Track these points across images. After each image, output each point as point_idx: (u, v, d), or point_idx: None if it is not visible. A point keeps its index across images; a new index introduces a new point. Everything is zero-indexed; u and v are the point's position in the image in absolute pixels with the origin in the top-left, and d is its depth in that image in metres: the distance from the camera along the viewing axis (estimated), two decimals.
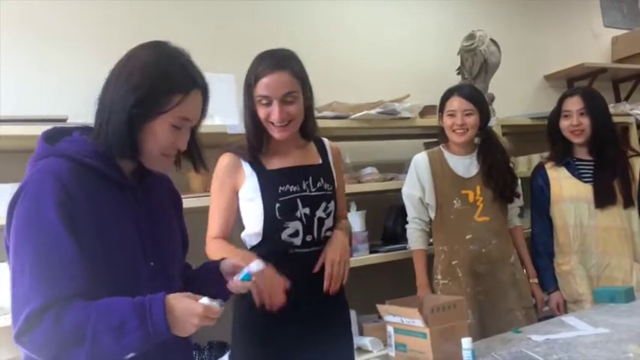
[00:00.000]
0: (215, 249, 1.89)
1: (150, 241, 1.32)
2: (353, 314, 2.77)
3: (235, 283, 1.40)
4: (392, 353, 1.65)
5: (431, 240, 2.65)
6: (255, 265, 1.38)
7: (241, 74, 1.95)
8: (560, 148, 2.71)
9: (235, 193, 1.93)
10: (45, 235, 1.17)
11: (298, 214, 1.86)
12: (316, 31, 3.34)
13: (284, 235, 1.85)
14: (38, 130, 1.39)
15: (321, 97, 2.90)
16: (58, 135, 1.33)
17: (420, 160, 2.62)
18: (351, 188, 2.82)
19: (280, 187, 1.86)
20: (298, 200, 1.87)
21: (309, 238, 1.87)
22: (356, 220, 2.84)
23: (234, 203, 1.93)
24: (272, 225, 1.86)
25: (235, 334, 1.92)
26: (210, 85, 2.06)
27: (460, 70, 3.43)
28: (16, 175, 1.52)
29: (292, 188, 1.87)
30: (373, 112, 2.88)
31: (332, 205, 1.93)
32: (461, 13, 3.91)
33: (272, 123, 1.84)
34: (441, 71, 3.42)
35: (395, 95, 3.07)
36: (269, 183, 1.88)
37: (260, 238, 1.89)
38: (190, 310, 1.18)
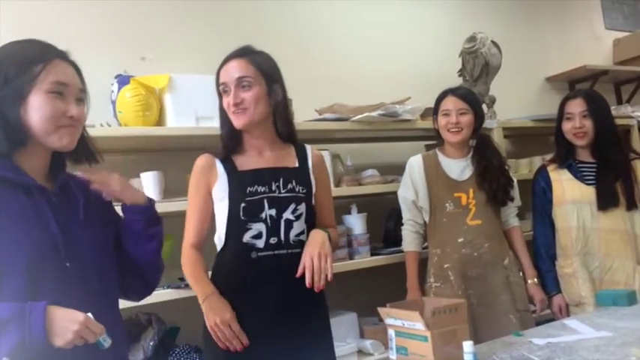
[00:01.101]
0: (186, 269, 1.91)
1: (65, 241, 1.30)
2: (354, 316, 2.77)
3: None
4: (393, 356, 1.64)
5: (426, 243, 2.65)
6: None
7: None
8: (562, 150, 2.69)
9: (209, 194, 1.91)
10: None
11: (263, 215, 1.83)
12: (317, 33, 3.33)
13: (246, 237, 1.82)
14: None
15: (322, 99, 2.93)
16: None
17: (414, 164, 2.62)
18: (351, 190, 2.83)
19: (249, 188, 1.84)
20: (265, 201, 1.84)
21: (273, 240, 1.83)
22: (357, 222, 2.84)
23: (209, 204, 1.92)
24: (235, 225, 1.84)
25: (206, 338, 1.86)
26: (208, 87, 2.06)
27: (461, 72, 3.42)
28: None
29: (260, 189, 1.85)
30: (374, 114, 2.87)
31: (302, 207, 1.88)
32: (462, 15, 3.90)
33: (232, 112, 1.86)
34: (442, 73, 3.41)
35: (396, 97, 3.06)
36: (238, 183, 1.86)
37: (224, 241, 1.87)
38: (71, 317, 1.19)
